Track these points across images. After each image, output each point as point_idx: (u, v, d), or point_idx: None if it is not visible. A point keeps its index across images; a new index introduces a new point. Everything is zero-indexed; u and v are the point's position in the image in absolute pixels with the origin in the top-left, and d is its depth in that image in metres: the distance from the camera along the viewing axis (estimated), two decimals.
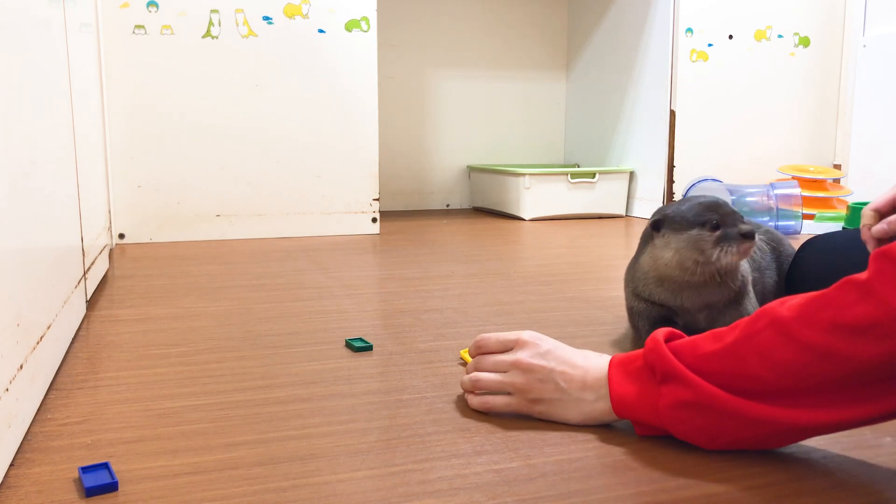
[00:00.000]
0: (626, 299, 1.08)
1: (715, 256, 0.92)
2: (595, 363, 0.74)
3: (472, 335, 1.11)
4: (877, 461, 0.68)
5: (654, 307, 1.01)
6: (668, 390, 0.66)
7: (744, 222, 0.93)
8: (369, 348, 1.04)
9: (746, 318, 0.65)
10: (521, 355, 0.77)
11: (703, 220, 0.92)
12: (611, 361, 0.74)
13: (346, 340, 1.07)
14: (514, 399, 0.77)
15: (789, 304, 0.62)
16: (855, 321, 0.56)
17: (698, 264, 0.93)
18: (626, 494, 0.61)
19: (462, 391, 0.84)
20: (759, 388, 0.62)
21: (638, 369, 0.70)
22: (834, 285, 0.59)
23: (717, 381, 0.64)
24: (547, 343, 0.77)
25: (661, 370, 0.67)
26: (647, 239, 1.01)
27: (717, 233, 0.92)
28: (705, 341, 0.66)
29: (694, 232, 0.93)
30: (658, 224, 0.97)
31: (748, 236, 0.91)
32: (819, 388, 0.60)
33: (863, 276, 0.57)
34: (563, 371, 0.74)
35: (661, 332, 0.70)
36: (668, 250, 0.95)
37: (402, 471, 0.66)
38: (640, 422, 0.71)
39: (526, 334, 0.78)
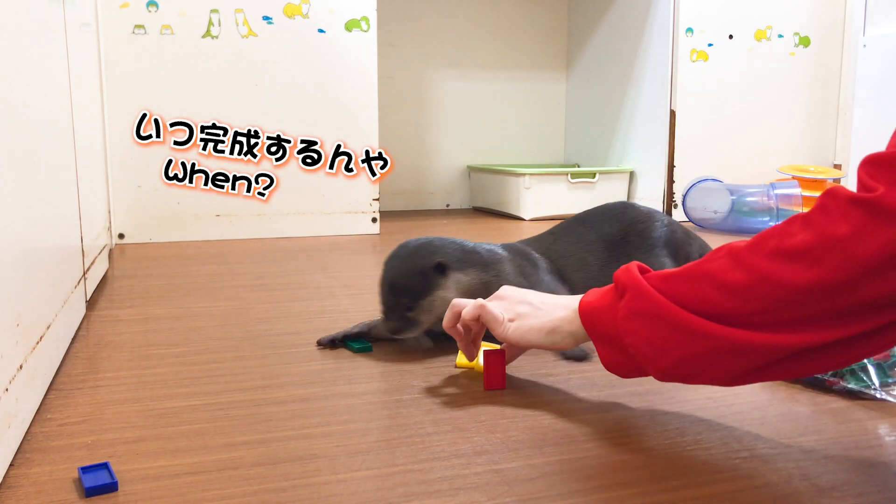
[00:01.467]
0: None
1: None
2: (568, 297, 0.83)
3: None
4: (877, 461, 0.68)
5: None
6: (625, 303, 0.70)
7: (398, 313, 0.98)
8: (369, 349, 1.04)
9: (711, 251, 0.69)
10: (497, 291, 0.87)
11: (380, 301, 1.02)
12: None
13: (346, 342, 1.06)
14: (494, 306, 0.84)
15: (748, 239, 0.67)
16: (793, 247, 0.60)
17: None
18: (626, 494, 0.61)
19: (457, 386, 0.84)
20: (708, 308, 0.65)
21: (607, 289, 0.76)
22: (785, 220, 0.64)
23: (672, 300, 0.67)
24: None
25: (623, 284, 0.71)
26: None
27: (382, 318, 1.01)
28: (672, 269, 0.72)
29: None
30: None
31: (392, 332, 0.99)
32: (761, 313, 0.62)
33: (808, 211, 0.62)
34: (538, 294, 0.85)
35: (634, 263, 0.74)
36: None
37: (402, 471, 0.66)
38: (600, 335, 0.74)
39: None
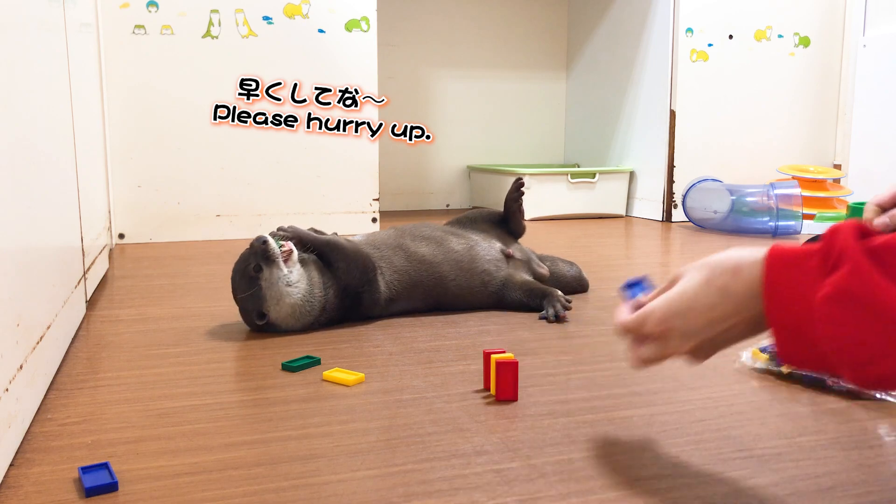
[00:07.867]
0: None
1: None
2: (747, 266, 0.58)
3: (472, 335, 1.11)
4: (877, 461, 0.68)
5: None
6: (832, 279, 0.51)
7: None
8: (318, 362, 0.97)
9: None
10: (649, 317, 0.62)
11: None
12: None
13: (284, 365, 0.96)
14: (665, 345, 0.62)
15: None
16: None
17: None
18: (626, 494, 0.61)
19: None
20: None
21: (806, 254, 0.54)
22: None
23: None
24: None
25: (837, 252, 0.51)
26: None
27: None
28: None
29: None
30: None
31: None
32: None
33: None
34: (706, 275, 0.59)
35: (851, 222, 0.54)
36: None
37: (402, 471, 0.66)
38: (784, 322, 0.54)
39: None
